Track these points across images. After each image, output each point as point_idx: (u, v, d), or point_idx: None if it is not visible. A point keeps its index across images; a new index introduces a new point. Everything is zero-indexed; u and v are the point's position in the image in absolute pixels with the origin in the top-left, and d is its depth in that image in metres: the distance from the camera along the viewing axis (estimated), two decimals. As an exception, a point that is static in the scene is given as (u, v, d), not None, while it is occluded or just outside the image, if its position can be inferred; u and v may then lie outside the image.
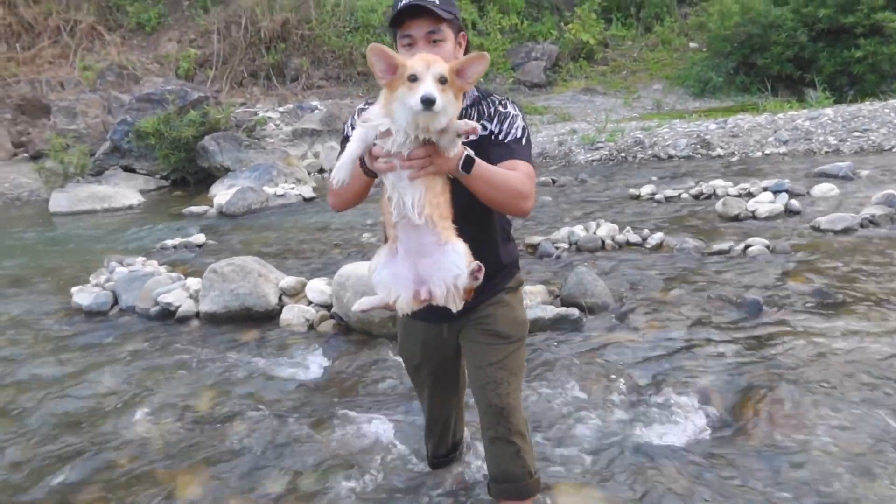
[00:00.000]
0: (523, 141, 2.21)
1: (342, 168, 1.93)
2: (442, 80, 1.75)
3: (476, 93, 2.28)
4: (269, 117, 15.26)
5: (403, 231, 1.97)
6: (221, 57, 18.95)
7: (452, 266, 1.93)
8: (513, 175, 2.08)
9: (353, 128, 2.17)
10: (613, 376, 3.75)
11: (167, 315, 5.37)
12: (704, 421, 3.33)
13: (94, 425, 3.74)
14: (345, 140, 2.22)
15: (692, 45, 20.16)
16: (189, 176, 13.21)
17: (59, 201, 11.36)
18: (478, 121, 2.18)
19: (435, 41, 2.14)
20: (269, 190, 10.60)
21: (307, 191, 10.81)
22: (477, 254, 2.21)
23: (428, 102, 1.69)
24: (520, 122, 2.23)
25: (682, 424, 3.31)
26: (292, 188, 10.87)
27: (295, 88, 18.59)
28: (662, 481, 2.86)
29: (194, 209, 10.39)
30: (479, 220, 2.23)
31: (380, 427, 3.49)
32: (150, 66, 18.89)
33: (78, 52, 18.93)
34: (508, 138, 2.20)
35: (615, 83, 19.18)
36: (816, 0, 16.25)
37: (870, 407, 3.25)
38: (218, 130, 12.93)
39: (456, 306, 2.01)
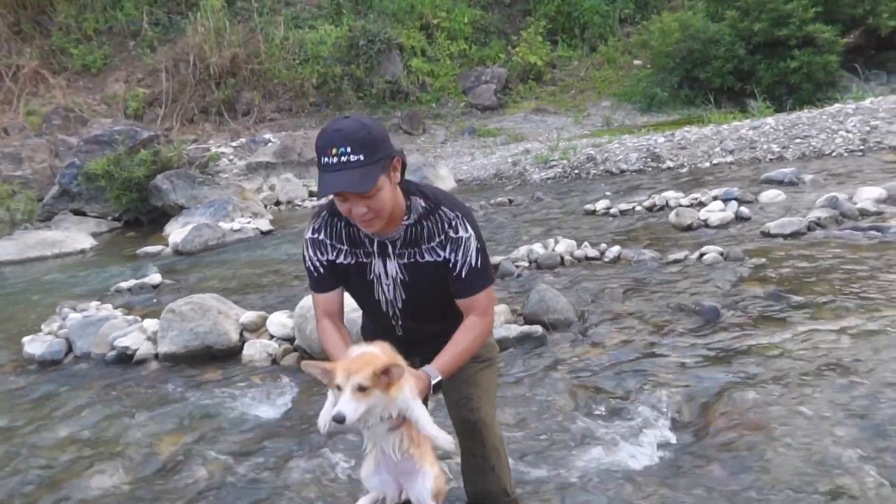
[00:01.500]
0: (479, 265, 2.25)
1: (325, 420, 2.11)
2: (361, 389, 1.96)
3: (422, 204, 2.24)
4: (223, 152, 15.12)
5: (384, 460, 2.30)
6: (171, 95, 18.71)
7: (418, 493, 2.28)
8: (471, 339, 2.26)
9: (308, 260, 2.37)
10: (579, 390, 3.77)
11: (125, 359, 5.23)
12: (669, 429, 3.37)
13: (51, 480, 3.59)
14: (310, 275, 2.40)
15: (636, 62, 20.68)
16: (142, 216, 12.94)
17: (7, 249, 11.00)
18: (428, 241, 2.23)
19: (369, 197, 2.09)
20: (226, 225, 10.45)
21: (264, 224, 10.69)
22: (444, 329, 2.35)
23: (339, 420, 1.95)
24: (473, 245, 2.24)
25: (648, 434, 3.34)
26: (249, 222, 10.74)
27: (247, 122, 18.44)
28: (630, 493, 2.87)
29: (149, 249, 10.18)
30: (440, 302, 2.34)
31: (346, 461, 3.43)
32: (97, 107, 18.55)
33: (22, 97, 18.50)
34: (465, 270, 2.23)
35: (565, 102, 19.53)
36: (752, 15, 16.86)
37: (829, 404, 3.32)
38: (170, 168, 12.72)
39: None
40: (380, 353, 2.09)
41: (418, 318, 2.36)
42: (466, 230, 2.22)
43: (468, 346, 2.25)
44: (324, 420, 2.12)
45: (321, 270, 2.34)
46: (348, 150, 2.02)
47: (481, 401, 2.37)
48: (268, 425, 3.96)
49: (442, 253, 2.22)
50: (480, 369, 2.42)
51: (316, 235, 2.32)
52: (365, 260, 2.28)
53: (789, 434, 3.12)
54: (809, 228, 6.54)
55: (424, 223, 2.23)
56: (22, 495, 3.47)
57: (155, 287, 7.74)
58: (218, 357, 5.00)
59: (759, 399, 3.44)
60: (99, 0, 20.07)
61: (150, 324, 5.47)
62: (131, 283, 7.83)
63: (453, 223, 2.22)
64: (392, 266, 2.25)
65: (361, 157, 2.02)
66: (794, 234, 6.42)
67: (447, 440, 2.10)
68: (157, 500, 3.28)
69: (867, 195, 7.13)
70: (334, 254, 2.31)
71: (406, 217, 2.23)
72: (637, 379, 3.83)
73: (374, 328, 2.53)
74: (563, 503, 2.87)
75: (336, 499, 3.11)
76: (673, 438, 3.28)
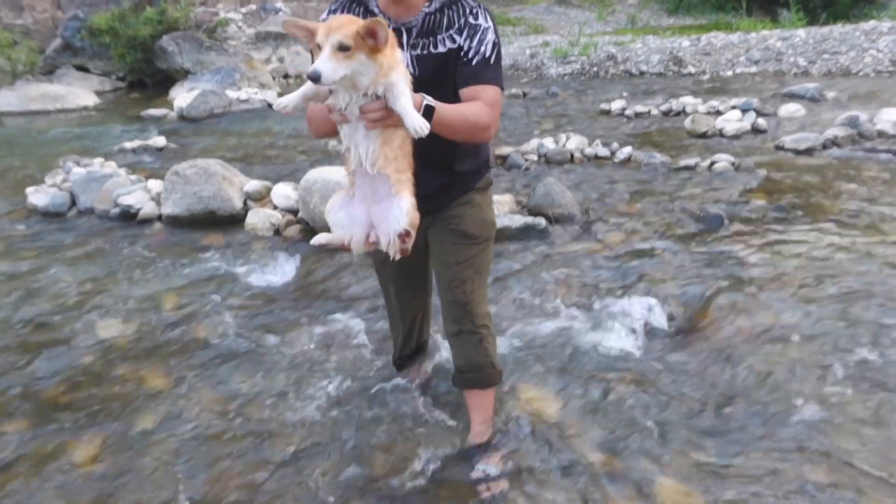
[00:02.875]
0: (492, 59, 2.13)
1: (291, 99, 1.90)
2: (342, 48, 1.74)
3: None
4: (231, 18, 14.59)
5: (360, 177, 2.03)
6: (179, -49, 17.82)
7: (394, 220, 1.98)
8: (474, 111, 2.05)
9: None
10: (576, 283, 3.83)
11: (128, 217, 5.26)
12: (663, 327, 3.44)
13: (56, 324, 3.71)
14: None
15: (670, -42, 19.63)
16: (147, 77, 12.68)
17: (9, 100, 10.84)
18: (446, 30, 2.12)
19: None
20: (232, 94, 10.25)
21: (272, 96, 10.48)
22: (446, 155, 2.20)
23: (314, 78, 1.72)
24: (490, 37, 2.13)
25: (642, 330, 3.41)
26: (256, 93, 10.53)
27: (258, -12, 17.68)
28: (618, 383, 2.97)
29: (153, 112, 10.03)
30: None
31: (345, 328, 3.54)
32: (101, -43, 17.70)
33: (22, -61, 17.59)
34: (476, 58, 2.11)
35: (590, -4, 18.73)
36: (798, -84, 15.84)
37: (821, 314, 3.38)
38: (177, 30, 12.34)
39: (393, 255, 2.05)
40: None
41: (421, 155, 2.11)
42: (486, 21, 2.15)
43: (470, 114, 2.05)
44: (288, 99, 1.90)
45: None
46: None
47: (474, 283, 2.38)
48: (268, 291, 4.04)
49: (458, 39, 2.12)
50: (477, 251, 2.40)
51: (332, 15, 2.24)
52: None
53: (778, 340, 3.20)
54: (825, 146, 6.43)
55: (445, 11, 2.14)
56: (26, 335, 3.59)
57: (159, 150, 7.69)
58: (221, 223, 5.03)
59: (751, 304, 3.50)
60: None
61: (155, 184, 5.47)
62: (135, 143, 7.78)
63: (474, 10, 2.15)
64: (404, 57, 2.09)
65: None
66: (809, 151, 6.32)
67: (422, 123, 1.83)
68: (158, 351, 3.39)
69: (888, 117, 6.95)
70: None
71: (427, 4, 2.14)
72: (634, 277, 3.88)
73: None
74: (548, 383, 2.98)
75: (337, 358, 3.22)
76: (663, 335, 3.36)
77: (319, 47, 1.76)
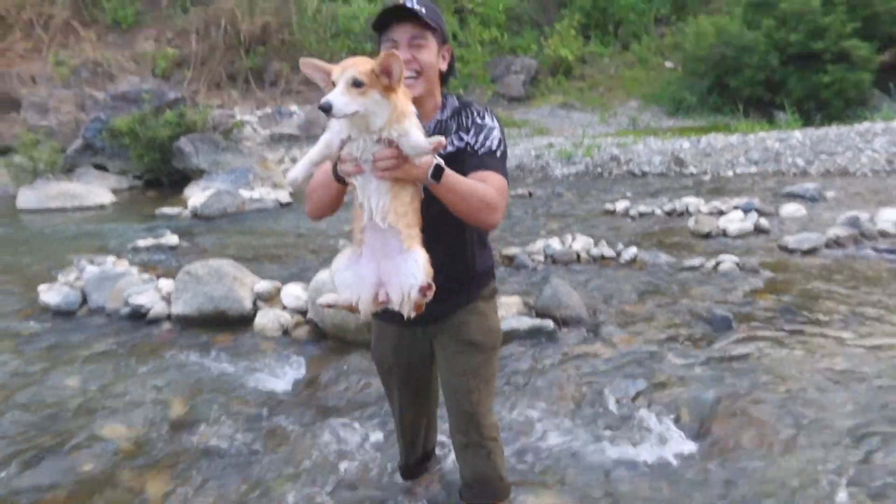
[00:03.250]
0: (498, 153, 2.21)
1: (300, 167, 1.92)
2: (356, 84, 1.74)
3: (457, 103, 2.30)
4: (247, 121, 15.20)
5: (370, 232, 1.99)
6: (200, 58, 18.80)
7: (409, 274, 1.94)
8: (482, 187, 2.07)
9: None
10: (586, 388, 3.80)
11: (138, 316, 5.30)
12: (673, 435, 3.37)
13: (60, 426, 3.68)
14: None
15: (668, 64, 20.52)
16: (163, 177, 13.07)
17: (28, 198, 11.16)
18: (456, 132, 2.21)
19: (418, 45, 2.15)
20: (246, 193, 10.54)
21: (284, 196, 10.76)
22: (451, 260, 2.26)
23: (325, 109, 1.71)
24: (496, 135, 2.23)
25: (651, 438, 3.35)
26: (269, 192, 10.82)
27: (273, 93, 18.51)
28: (628, 494, 2.90)
29: (168, 210, 10.28)
30: (454, 227, 2.21)
31: (351, 434, 3.49)
32: (126, 64, 18.66)
33: (51, 47, 18.63)
34: (483, 150, 2.19)
35: (592, 99, 19.43)
36: (788, 25, 16.64)
37: (833, 422, 3.33)
38: (194, 132, 12.82)
39: (407, 313, 1.99)
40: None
41: (429, 230, 2.09)
42: (493, 121, 2.25)
43: (479, 189, 2.05)
44: (297, 169, 1.90)
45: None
46: (415, 2, 2.13)
47: (481, 393, 2.37)
48: (276, 395, 4.01)
49: (465, 137, 2.21)
50: (482, 361, 2.39)
51: None
52: None
53: (788, 448, 3.14)
54: (827, 246, 6.51)
55: (456, 117, 2.25)
56: (30, 439, 3.55)
57: (172, 248, 7.83)
58: (230, 323, 5.06)
59: (763, 410, 3.45)
60: (134, -45, 20.14)
61: (166, 284, 5.54)
62: (148, 241, 7.93)
63: (481, 112, 2.26)
64: None
65: (424, 11, 2.13)
66: (812, 251, 6.39)
67: (426, 143, 1.82)
68: (162, 457, 3.35)
69: (888, 216, 7.07)
70: None
71: (440, 112, 2.26)
72: (644, 381, 3.85)
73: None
74: (558, 495, 2.91)
75: (342, 465, 3.17)
76: (674, 442, 3.30)
77: (334, 85, 1.77)
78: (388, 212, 1.92)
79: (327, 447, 3.38)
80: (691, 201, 8.60)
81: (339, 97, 1.72)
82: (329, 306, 2.11)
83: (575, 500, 2.87)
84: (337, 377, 4.18)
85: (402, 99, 1.84)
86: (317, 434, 3.50)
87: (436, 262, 2.04)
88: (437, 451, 3.05)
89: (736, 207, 7.97)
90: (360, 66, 1.76)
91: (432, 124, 2.24)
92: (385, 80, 1.78)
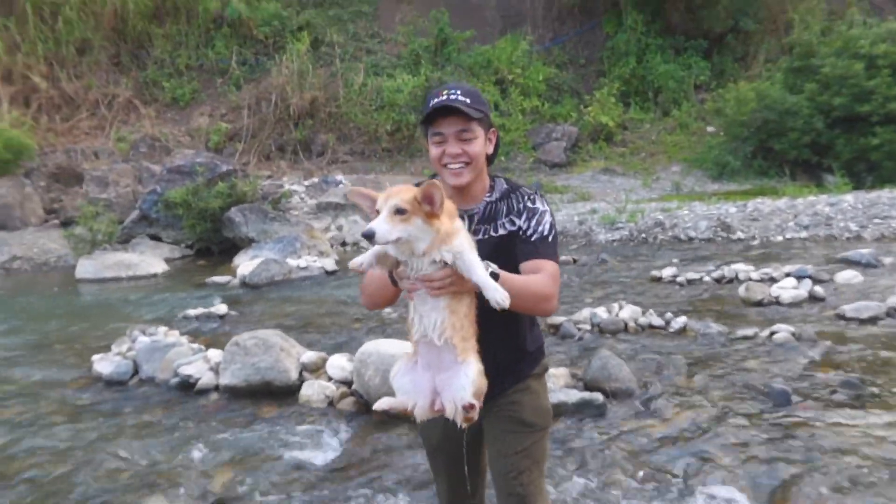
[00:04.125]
0: (549, 238, 2.24)
1: (367, 257, 1.98)
2: (399, 212, 1.82)
3: (506, 185, 2.34)
4: (295, 190, 15.60)
5: (424, 346, 2.05)
6: (251, 131, 19.55)
7: (460, 388, 1.99)
8: (536, 281, 2.11)
9: None
10: (639, 464, 3.66)
11: (187, 387, 5.37)
12: (734, 517, 3.22)
13: (109, 497, 3.69)
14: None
15: (709, 129, 20.49)
16: (213, 245, 13.42)
17: (86, 268, 11.55)
18: (507, 215, 2.26)
19: (465, 139, 2.21)
20: (293, 262, 10.72)
21: (330, 263, 10.91)
22: (504, 342, 2.25)
23: (368, 236, 1.79)
24: (548, 219, 2.26)
25: (711, 520, 3.21)
26: (315, 261, 10.98)
27: (321, 163, 19.05)
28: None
29: (217, 279, 10.51)
30: (507, 313, 2.14)
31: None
32: (181, 138, 19.52)
33: (114, 125, 19.64)
34: (535, 237, 2.23)
35: (634, 164, 19.44)
36: (832, 89, 16.51)
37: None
38: (244, 202, 13.21)
39: (460, 424, 2.04)
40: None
41: (482, 315, 2.12)
42: (543, 205, 2.28)
43: (534, 283, 2.09)
44: (362, 257, 1.96)
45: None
46: (459, 93, 2.20)
47: (532, 474, 2.32)
48: (320, 468, 3.97)
49: (517, 222, 2.24)
50: (533, 441, 2.35)
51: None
52: None
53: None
54: (889, 314, 6.26)
55: (505, 200, 2.28)
56: (81, 513, 3.57)
57: (221, 317, 7.96)
58: (276, 394, 5.08)
59: (827, 492, 3.27)
60: (193, 38, 21.29)
61: (214, 354, 5.62)
62: (199, 311, 8.08)
63: (531, 196, 2.28)
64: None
65: (469, 101, 2.19)
66: (872, 320, 6.15)
67: (504, 295, 1.85)
68: (208, 533, 3.32)
69: (953, 285, 6.79)
70: None
71: (489, 194, 2.29)
72: (699, 457, 3.70)
73: None
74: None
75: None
76: (736, 528, 3.14)
77: (378, 213, 1.85)
78: (445, 329, 1.98)
79: (372, 526, 3.31)
80: (741, 268, 8.40)
81: (382, 225, 1.80)
82: (385, 412, 2.15)
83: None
84: (383, 450, 4.12)
85: (446, 221, 1.89)
86: (362, 512, 3.44)
87: (489, 344, 2.08)
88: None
89: (788, 274, 7.75)
90: (403, 194, 1.84)
91: (482, 206, 2.29)
92: (427, 208, 1.85)
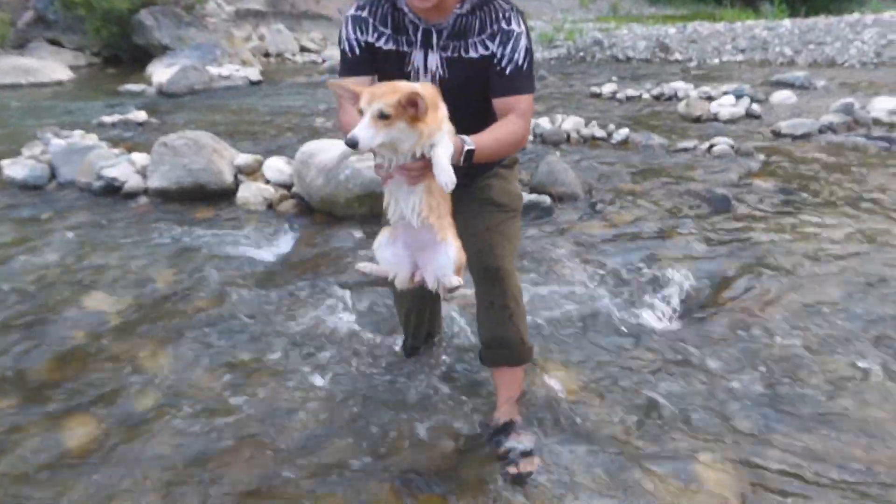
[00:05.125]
0: (525, 67, 2.05)
1: (335, 159, 1.96)
2: (383, 116, 1.76)
3: None
4: (210, -6, 14.21)
5: (402, 228, 2.06)
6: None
7: (441, 266, 2.02)
8: (508, 133, 2.03)
9: (346, 40, 2.13)
10: (590, 261, 3.73)
11: (112, 190, 5.03)
12: (675, 304, 3.35)
13: (44, 298, 3.50)
14: (343, 57, 2.16)
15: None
16: (122, 52, 12.27)
17: (-22, 72, 10.41)
18: (478, 34, 2.05)
19: None
20: (214, 70, 9.98)
21: (254, 74, 10.22)
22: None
23: (352, 144, 1.75)
24: (523, 44, 2.05)
25: (653, 307, 3.32)
26: (238, 70, 10.27)
27: (237, -35, 17.27)
28: (641, 359, 2.88)
29: (132, 87, 9.72)
30: (475, 112, 2.11)
31: (351, 305, 3.38)
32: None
33: None
34: (510, 68, 2.03)
35: (573, -17, 18.61)
36: None
37: (829, 296, 3.33)
38: (154, 4, 11.94)
39: (443, 297, 2.10)
40: (417, 86, 1.85)
41: (452, 117, 2.02)
42: (519, 25, 2.06)
43: (505, 136, 2.03)
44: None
45: (356, 52, 2.13)
46: None
47: (504, 249, 2.29)
48: (265, 267, 3.86)
49: (490, 46, 2.04)
50: (505, 219, 2.32)
51: (359, 13, 2.12)
52: (406, 49, 2.10)
53: (794, 316, 3.13)
54: (821, 131, 6.43)
55: (477, 13, 2.05)
56: (13, 310, 3.37)
57: (140, 124, 7.43)
58: (211, 197, 4.83)
59: (767, 283, 3.44)
60: None
61: (140, 157, 5.25)
62: (115, 117, 7.51)
63: (507, 15, 2.05)
64: (433, 59, 2.07)
65: None
66: (805, 136, 6.31)
67: (449, 180, 1.80)
68: (152, 326, 3.21)
69: (882, 105, 6.99)
70: (375, 36, 2.12)
71: (458, 6, 2.05)
72: (646, 255, 3.79)
73: None
74: (566, 358, 2.87)
75: (338, 339, 3.08)
76: (681, 312, 3.27)
77: (362, 113, 1.77)
78: (422, 210, 1.97)
79: (325, 317, 3.27)
80: (680, 86, 8.39)
81: (364, 130, 1.75)
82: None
83: (588, 365, 2.84)
84: (329, 251, 4.03)
85: (430, 120, 1.82)
86: (313, 304, 3.39)
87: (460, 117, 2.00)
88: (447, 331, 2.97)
89: (726, 93, 7.78)
90: (386, 98, 1.76)
91: (451, 19, 2.05)
92: (412, 111, 1.78)
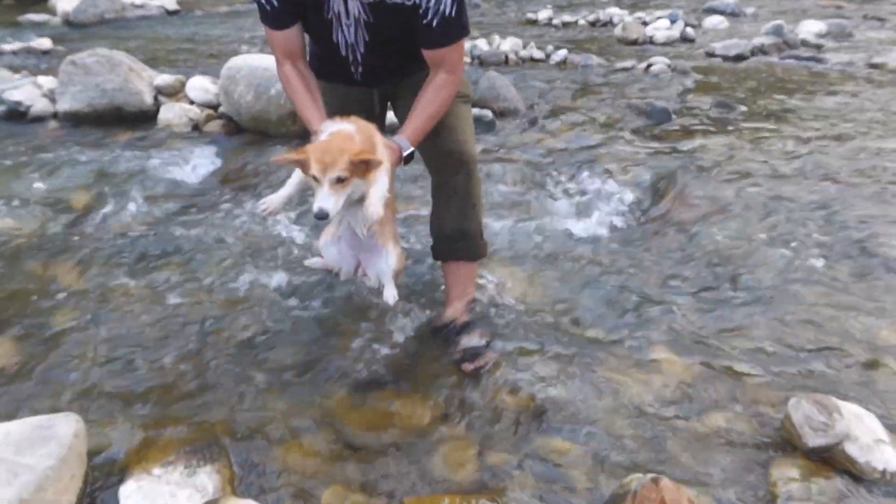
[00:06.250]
0: (453, 14, 1.86)
1: (277, 202, 1.95)
2: (340, 180, 1.77)
3: None
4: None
5: (347, 232, 2.16)
6: None
7: (381, 270, 2.19)
8: (439, 104, 1.99)
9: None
10: (532, 172, 3.64)
11: (16, 115, 4.59)
12: (621, 209, 3.33)
13: (-59, 221, 3.17)
14: (261, 8, 1.96)
15: None
16: (21, -19, 11.25)
17: None
18: None
19: None
20: (125, -1, 9.27)
21: (170, 2, 9.56)
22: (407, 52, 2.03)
23: (322, 217, 1.79)
24: None
25: (600, 212, 3.29)
26: (152, -1, 9.57)
27: None
28: (589, 262, 2.84)
29: (33, 17, 8.95)
30: (407, 50, 2.00)
31: (279, 224, 3.18)
32: None
33: None
34: (436, 20, 1.85)
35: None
36: None
37: (763, 197, 3.35)
38: (54, -73, 10.93)
39: (386, 295, 2.19)
40: (355, 133, 1.83)
41: (380, 65, 2.06)
42: None
43: (438, 108, 1.99)
44: (272, 201, 1.97)
45: (274, 2, 1.94)
46: None
47: (465, 133, 2.17)
48: (193, 185, 3.63)
49: None
50: (459, 103, 2.18)
51: None
52: None
53: (734, 216, 3.15)
54: (753, 53, 6.48)
55: None
56: None
57: (45, 53, 6.85)
58: (129, 120, 4.47)
59: (708, 187, 3.43)
60: None
61: (46, 80, 4.81)
62: (15, 46, 6.89)
63: None
64: (353, 4, 1.90)
65: None
66: (738, 57, 6.36)
67: (375, 215, 1.85)
68: (69, 245, 2.96)
69: (809, 28, 7.10)
70: None
71: None
72: (589, 164, 3.73)
73: (329, 71, 2.15)
74: (515, 263, 2.80)
75: (272, 252, 2.90)
76: (626, 217, 3.24)
77: (316, 179, 1.77)
78: (371, 227, 2.04)
79: (256, 233, 3.08)
80: (615, 12, 8.33)
81: (327, 201, 1.77)
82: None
83: (538, 270, 2.77)
84: (260, 169, 3.80)
85: (377, 165, 1.83)
86: (243, 220, 3.19)
87: (388, 73, 2.12)
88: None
89: (661, 17, 7.75)
90: (339, 162, 1.76)
91: None
92: (362, 168, 1.79)
